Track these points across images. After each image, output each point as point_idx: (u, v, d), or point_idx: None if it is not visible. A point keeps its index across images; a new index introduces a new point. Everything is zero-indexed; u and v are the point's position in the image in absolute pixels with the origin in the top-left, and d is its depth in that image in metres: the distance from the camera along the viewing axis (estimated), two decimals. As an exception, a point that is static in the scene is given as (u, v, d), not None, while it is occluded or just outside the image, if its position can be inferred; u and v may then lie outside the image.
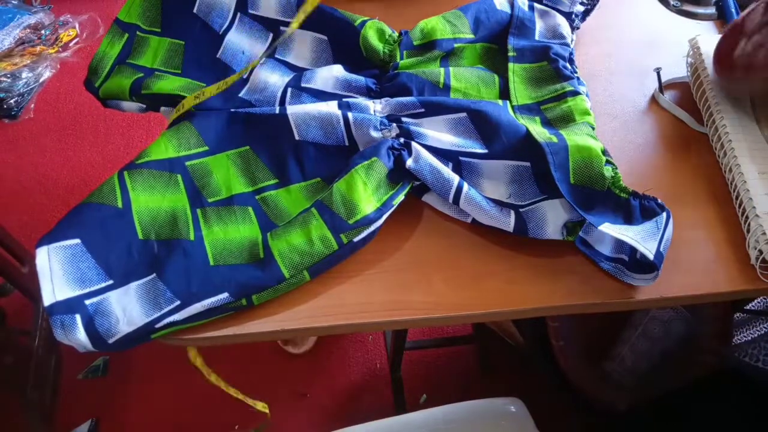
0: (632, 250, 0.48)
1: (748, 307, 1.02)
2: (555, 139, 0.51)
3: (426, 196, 0.53)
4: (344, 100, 0.55)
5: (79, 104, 1.67)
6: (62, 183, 1.52)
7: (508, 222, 0.50)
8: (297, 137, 0.53)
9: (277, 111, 0.54)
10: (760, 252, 0.50)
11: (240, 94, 0.57)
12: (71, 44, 1.78)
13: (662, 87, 0.62)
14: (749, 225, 0.51)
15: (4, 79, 1.65)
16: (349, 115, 0.53)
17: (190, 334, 0.46)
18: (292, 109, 0.53)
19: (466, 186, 0.50)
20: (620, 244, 0.49)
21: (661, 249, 0.46)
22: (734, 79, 0.56)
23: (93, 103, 0.60)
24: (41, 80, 1.70)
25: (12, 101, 1.63)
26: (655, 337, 0.95)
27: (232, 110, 0.54)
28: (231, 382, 0.52)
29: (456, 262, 0.50)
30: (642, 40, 0.68)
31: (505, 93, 0.58)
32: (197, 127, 0.53)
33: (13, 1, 1.83)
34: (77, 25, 1.82)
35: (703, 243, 0.52)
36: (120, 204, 0.48)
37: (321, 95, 0.56)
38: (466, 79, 0.57)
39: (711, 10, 0.70)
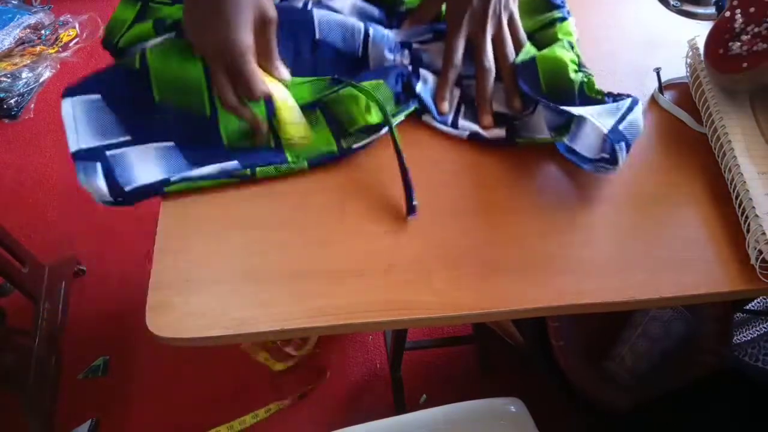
0: (612, 148, 0.50)
1: (748, 307, 1.02)
2: (528, 58, 0.56)
3: (425, 117, 0.57)
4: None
5: (79, 104, 1.67)
6: (62, 183, 1.52)
7: (501, 132, 0.56)
8: (318, 36, 0.56)
9: (303, 5, 0.56)
10: (760, 252, 0.50)
11: None
12: (71, 44, 1.78)
13: (662, 87, 0.63)
14: (749, 225, 0.51)
15: (4, 79, 1.65)
16: (370, 29, 0.56)
17: (190, 335, 0.45)
18: (318, 12, 0.56)
19: (463, 109, 0.57)
20: (602, 144, 0.51)
21: (621, 128, 0.49)
22: (725, 74, 0.56)
23: (93, 103, 0.60)
24: (41, 80, 1.70)
25: (12, 101, 1.64)
26: (655, 337, 0.95)
27: None
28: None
29: (456, 262, 0.50)
30: (642, 40, 0.68)
31: None
32: None
33: (13, 1, 1.83)
34: (77, 25, 1.82)
35: (703, 243, 0.52)
36: (137, 65, 0.50)
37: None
38: None
39: (711, 10, 0.70)
